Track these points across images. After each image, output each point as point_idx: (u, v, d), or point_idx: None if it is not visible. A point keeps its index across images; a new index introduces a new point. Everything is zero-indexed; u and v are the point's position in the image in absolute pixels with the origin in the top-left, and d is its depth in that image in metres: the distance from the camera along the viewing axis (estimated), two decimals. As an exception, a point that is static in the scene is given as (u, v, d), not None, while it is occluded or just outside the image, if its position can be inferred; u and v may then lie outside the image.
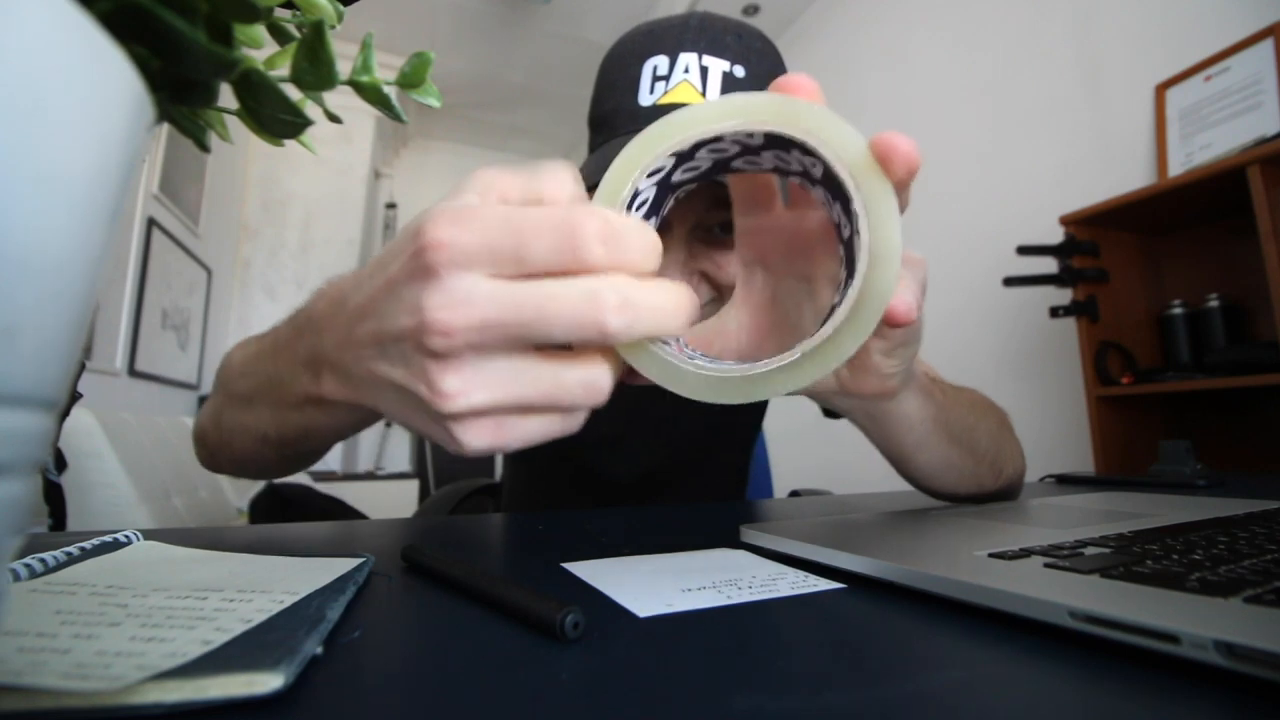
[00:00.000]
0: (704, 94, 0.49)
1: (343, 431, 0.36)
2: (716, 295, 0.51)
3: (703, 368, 0.24)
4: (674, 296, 0.22)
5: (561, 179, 0.23)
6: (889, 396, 0.35)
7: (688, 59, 0.50)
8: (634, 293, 0.21)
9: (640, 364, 0.24)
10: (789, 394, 0.25)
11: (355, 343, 0.25)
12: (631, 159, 0.25)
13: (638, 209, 0.26)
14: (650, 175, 0.25)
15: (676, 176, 0.27)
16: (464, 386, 0.21)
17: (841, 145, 0.23)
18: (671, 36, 0.51)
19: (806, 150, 0.24)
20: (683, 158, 0.26)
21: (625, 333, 0.20)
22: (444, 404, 0.21)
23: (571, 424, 0.23)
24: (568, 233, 0.20)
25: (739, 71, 0.50)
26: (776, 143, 0.25)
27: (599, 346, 0.22)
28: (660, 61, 0.51)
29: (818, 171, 0.25)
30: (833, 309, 0.24)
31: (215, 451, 0.44)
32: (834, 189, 0.25)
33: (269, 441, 0.37)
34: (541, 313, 0.20)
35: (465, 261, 0.20)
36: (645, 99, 0.50)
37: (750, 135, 0.24)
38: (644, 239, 0.21)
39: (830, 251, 0.30)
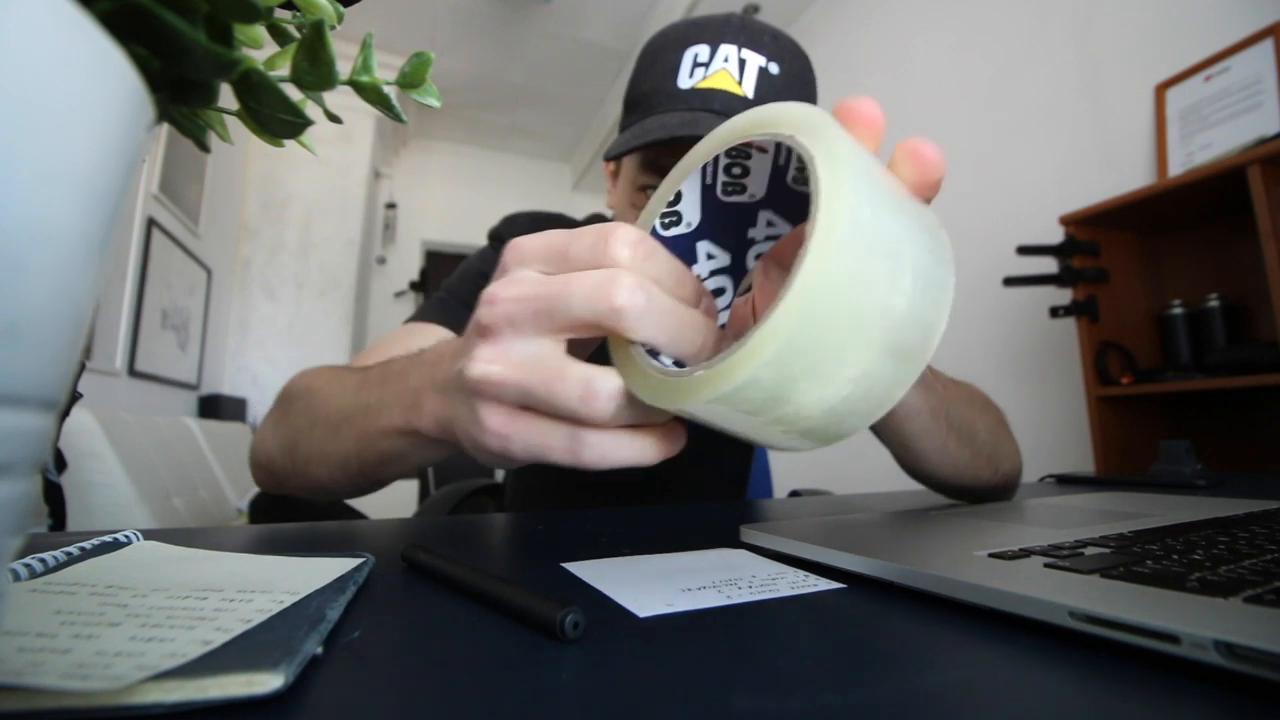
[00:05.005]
0: (740, 83, 0.52)
1: (419, 463, 0.37)
2: None
3: (657, 369, 0.22)
4: (694, 315, 0.23)
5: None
6: None
7: (728, 50, 0.52)
8: (653, 290, 0.22)
9: (622, 368, 0.23)
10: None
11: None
12: (661, 194, 0.28)
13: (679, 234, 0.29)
14: (669, 213, 0.28)
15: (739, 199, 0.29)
16: (492, 356, 0.24)
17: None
18: (714, 28, 0.54)
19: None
20: (726, 183, 0.27)
21: (634, 317, 0.22)
22: (471, 367, 0.24)
23: (578, 450, 0.23)
24: (603, 236, 0.23)
25: (774, 68, 0.53)
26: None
27: (614, 331, 0.23)
28: (701, 50, 0.53)
29: None
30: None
31: (285, 478, 0.45)
32: None
33: (349, 469, 0.38)
34: (566, 287, 0.23)
35: (528, 259, 0.25)
36: (684, 82, 0.53)
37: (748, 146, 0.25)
38: (672, 263, 0.24)
39: None
